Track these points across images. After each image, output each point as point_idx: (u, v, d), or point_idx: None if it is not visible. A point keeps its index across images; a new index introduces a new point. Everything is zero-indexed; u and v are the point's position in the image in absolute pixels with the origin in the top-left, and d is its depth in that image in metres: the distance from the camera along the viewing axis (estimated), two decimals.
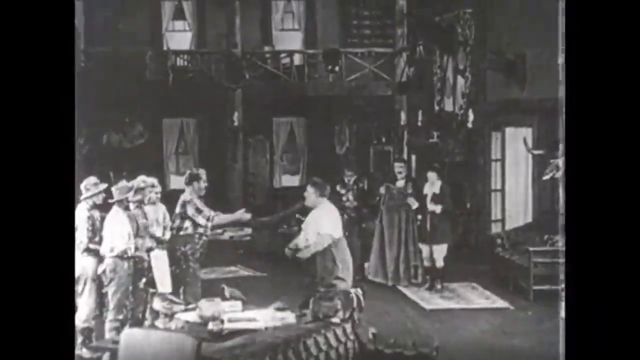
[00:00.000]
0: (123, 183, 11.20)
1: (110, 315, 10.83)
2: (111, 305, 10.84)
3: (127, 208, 11.01)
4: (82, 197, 11.01)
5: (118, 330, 10.57)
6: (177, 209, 11.84)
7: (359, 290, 10.08)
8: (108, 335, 10.73)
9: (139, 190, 11.25)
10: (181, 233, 11.74)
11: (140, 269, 11.06)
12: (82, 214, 10.97)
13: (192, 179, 11.94)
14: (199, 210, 11.75)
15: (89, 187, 11.12)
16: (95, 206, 11.14)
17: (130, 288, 10.88)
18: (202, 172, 12.03)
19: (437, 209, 14.81)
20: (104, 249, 10.84)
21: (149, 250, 11.27)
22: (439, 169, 15.49)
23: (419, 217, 15.14)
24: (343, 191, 15.66)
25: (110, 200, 11.07)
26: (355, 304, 9.73)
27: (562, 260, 7.83)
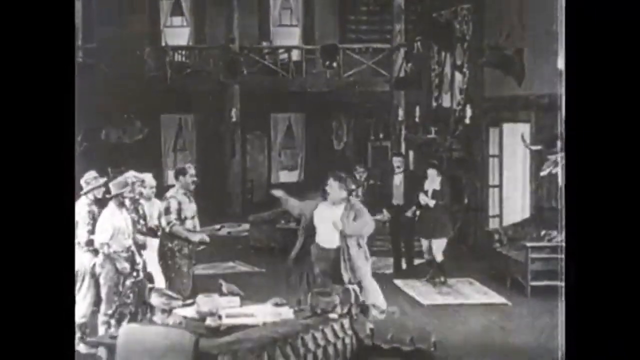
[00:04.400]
0: (120, 178, 11.25)
1: (101, 310, 10.91)
2: (103, 300, 10.91)
3: (122, 204, 11.01)
4: (82, 192, 11.07)
5: (108, 324, 10.63)
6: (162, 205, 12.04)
7: (357, 287, 10.09)
8: (100, 329, 10.77)
9: (127, 185, 11.26)
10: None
11: (132, 263, 11.07)
12: (82, 209, 11.09)
13: (179, 172, 12.15)
14: (167, 211, 11.84)
15: (89, 181, 11.26)
16: (95, 201, 11.23)
17: (122, 282, 10.88)
18: (189, 167, 12.17)
19: (431, 202, 14.98)
20: (96, 244, 10.90)
21: (141, 246, 11.33)
22: (438, 165, 15.65)
23: (417, 212, 15.30)
24: (353, 187, 15.79)
25: (107, 196, 11.11)
26: (353, 300, 9.74)
27: (561, 256, 7.85)
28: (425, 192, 15.14)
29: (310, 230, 11.12)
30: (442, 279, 15.02)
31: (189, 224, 11.94)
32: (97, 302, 11.11)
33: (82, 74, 8.45)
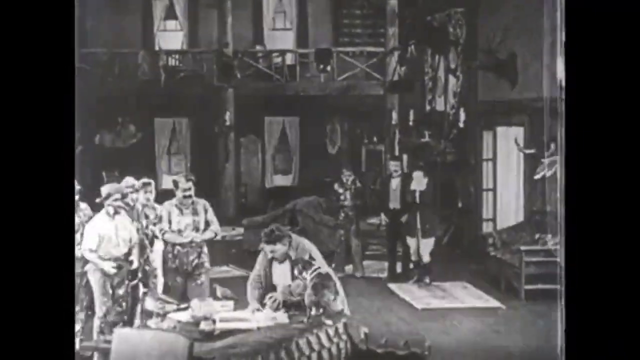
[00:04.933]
0: (109, 185, 11.23)
1: (95, 316, 10.93)
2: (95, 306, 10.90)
3: (110, 212, 10.94)
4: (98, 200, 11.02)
5: (102, 330, 10.62)
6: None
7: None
8: (94, 335, 10.78)
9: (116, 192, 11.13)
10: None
11: (125, 272, 10.99)
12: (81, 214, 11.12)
13: (174, 185, 11.92)
14: (160, 219, 11.74)
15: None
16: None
17: (112, 289, 10.82)
18: (182, 180, 11.83)
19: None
20: (83, 250, 10.86)
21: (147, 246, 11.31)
22: (424, 167, 15.83)
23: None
24: (341, 190, 15.92)
25: (97, 200, 11.05)
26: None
27: (557, 259, 7.86)
28: (413, 192, 15.27)
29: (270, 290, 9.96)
30: (428, 280, 15.08)
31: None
32: (91, 307, 11.10)
33: (76, 78, 8.44)
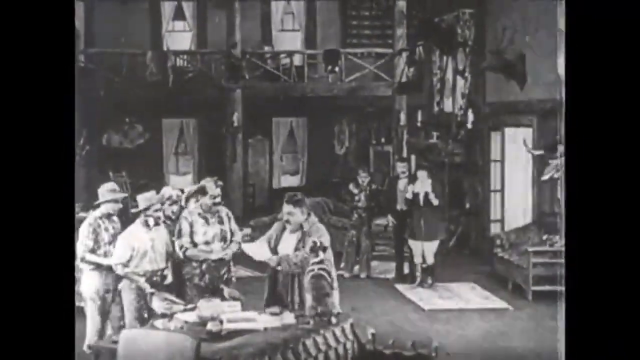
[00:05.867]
0: (150, 194, 10.48)
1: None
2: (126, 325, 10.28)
3: (147, 223, 10.26)
4: (95, 203, 10.45)
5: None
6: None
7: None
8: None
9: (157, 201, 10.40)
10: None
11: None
12: (88, 221, 10.48)
13: (199, 192, 10.69)
14: (180, 233, 10.49)
15: (103, 193, 10.51)
16: (107, 216, 10.57)
17: (147, 307, 10.23)
18: (210, 186, 10.61)
19: (435, 201, 15.00)
20: (114, 264, 10.26)
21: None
22: (429, 167, 15.75)
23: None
24: (356, 191, 15.94)
25: (132, 211, 10.41)
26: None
27: (561, 260, 7.85)
28: (417, 195, 15.18)
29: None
30: (430, 281, 15.06)
31: (201, 249, 10.53)
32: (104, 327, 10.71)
33: (83, 78, 8.45)
